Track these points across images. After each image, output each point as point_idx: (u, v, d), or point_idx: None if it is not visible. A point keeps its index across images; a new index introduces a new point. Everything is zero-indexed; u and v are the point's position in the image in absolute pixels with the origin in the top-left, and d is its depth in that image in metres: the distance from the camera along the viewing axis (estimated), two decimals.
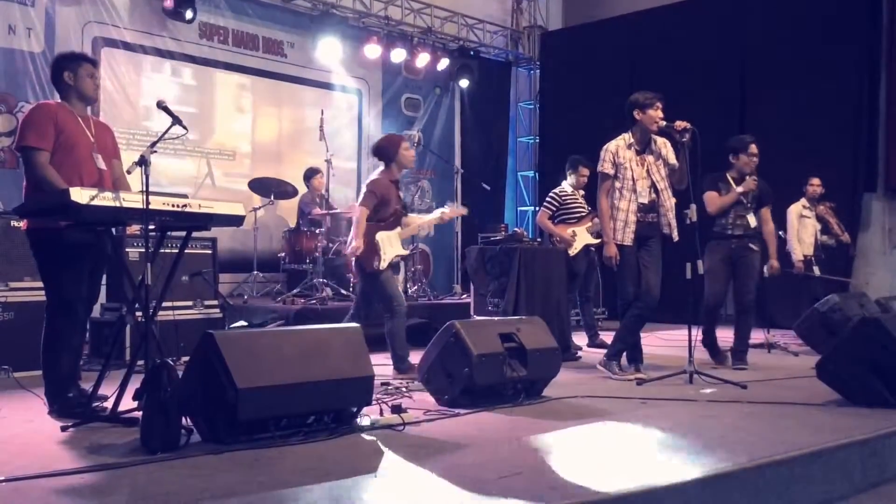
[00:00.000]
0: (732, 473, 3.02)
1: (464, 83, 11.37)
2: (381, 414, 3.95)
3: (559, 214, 7.35)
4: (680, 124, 5.31)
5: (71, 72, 4.28)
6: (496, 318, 5.52)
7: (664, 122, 5.39)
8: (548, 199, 7.48)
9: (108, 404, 3.96)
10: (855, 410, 4.25)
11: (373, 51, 10.27)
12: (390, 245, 5.51)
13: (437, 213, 6.07)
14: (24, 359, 5.11)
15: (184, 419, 3.44)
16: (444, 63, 11.06)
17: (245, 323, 6.80)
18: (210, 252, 6.73)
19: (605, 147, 5.59)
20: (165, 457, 3.21)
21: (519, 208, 12.72)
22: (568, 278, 6.89)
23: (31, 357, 4.56)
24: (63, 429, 3.73)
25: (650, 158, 5.54)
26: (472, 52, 11.46)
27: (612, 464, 3.20)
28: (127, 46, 8.51)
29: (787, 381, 5.37)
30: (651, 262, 5.49)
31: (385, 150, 5.66)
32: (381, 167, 5.70)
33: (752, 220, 6.23)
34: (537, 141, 12.51)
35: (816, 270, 7.93)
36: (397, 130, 11.02)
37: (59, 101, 4.33)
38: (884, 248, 9.41)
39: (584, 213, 7.33)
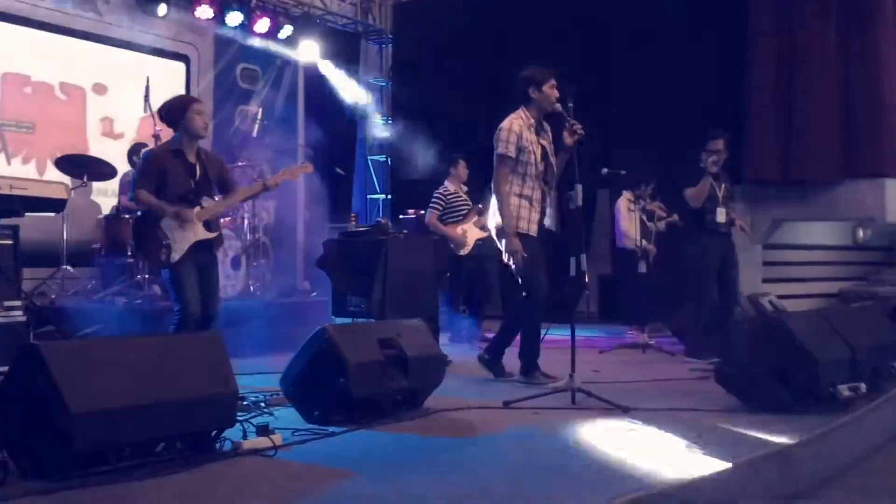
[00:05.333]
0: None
1: (310, 54, 10.95)
2: (245, 436, 3.63)
3: (447, 215, 7.64)
4: (578, 128, 5.12)
5: None
6: (373, 322, 5.29)
7: (559, 106, 5.21)
8: (434, 199, 7.69)
9: None
10: (761, 418, 4.32)
11: (204, 12, 9.68)
12: (181, 230, 4.78)
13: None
14: None
15: None
16: (287, 31, 10.61)
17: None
18: (11, 242, 6.05)
19: (504, 126, 5.29)
20: None
21: (369, 196, 12.47)
22: (454, 278, 6.89)
23: None
24: None
25: (545, 142, 5.40)
26: (318, 20, 11.08)
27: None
28: None
29: (672, 385, 5.46)
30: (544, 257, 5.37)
31: (171, 113, 4.88)
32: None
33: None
34: (389, 122, 12.30)
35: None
36: (232, 105, 10.53)
37: None
38: (746, 242, 9.86)
39: (469, 210, 7.67)
